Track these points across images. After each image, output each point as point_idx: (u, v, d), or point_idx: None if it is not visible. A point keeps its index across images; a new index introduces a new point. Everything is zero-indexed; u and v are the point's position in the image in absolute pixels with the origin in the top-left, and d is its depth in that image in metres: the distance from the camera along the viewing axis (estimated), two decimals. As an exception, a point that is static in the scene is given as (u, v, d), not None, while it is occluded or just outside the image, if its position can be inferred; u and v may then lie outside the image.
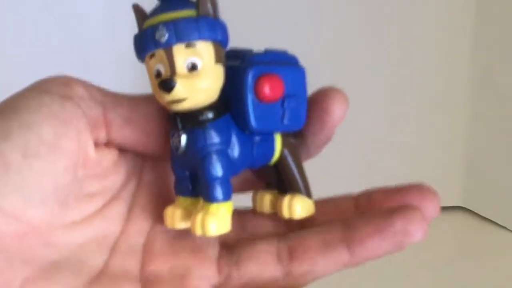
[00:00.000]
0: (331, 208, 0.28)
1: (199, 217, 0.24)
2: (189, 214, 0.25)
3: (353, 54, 0.75)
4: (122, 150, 0.27)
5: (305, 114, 0.26)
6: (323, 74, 0.76)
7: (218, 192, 0.24)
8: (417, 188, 0.26)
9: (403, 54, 0.74)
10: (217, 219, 0.24)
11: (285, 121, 0.25)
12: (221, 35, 0.24)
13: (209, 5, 0.24)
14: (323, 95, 0.27)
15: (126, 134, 0.26)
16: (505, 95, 0.71)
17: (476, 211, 0.75)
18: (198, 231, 0.24)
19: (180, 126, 0.25)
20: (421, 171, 0.76)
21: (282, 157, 0.27)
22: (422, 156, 0.76)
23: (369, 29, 0.74)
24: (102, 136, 0.26)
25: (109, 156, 0.26)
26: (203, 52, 0.24)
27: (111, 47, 0.69)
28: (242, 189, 0.29)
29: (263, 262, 0.26)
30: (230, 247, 0.27)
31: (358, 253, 0.25)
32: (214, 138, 0.24)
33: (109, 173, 0.27)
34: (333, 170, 0.77)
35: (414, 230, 0.24)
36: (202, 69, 0.24)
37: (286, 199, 0.26)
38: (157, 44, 0.23)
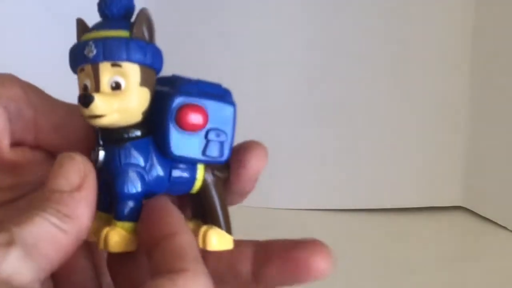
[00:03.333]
0: (230, 253, 0.28)
1: (103, 232, 0.25)
2: (101, 228, 0.26)
3: (353, 54, 0.74)
4: (52, 154, 0.28)
5: (230, 150, 0.26)
6: (323, 74, 0.76)
7: (126, 211, 0.25)
8: (310, 245, 0.26)
9: (403, 54, 0.74)
10: (120, 237, 0.25)
11: (207, 153, 0.26)
12: (151, 60, 0.25)
13: (144, 28, 0.25)
14: (242, 147, 0.27)
15: (53, 141, 0.27)
16: (505, 95, 0.71)
17: (476, 211, 0.75)
18: (101, 246, 0.25)
19: (100, 141, 0.25)
20: (421, 171, 0.77)
21: (203, 187, 0.27)
22: (422, 156, 0.76)
23: (369, 29, 0.74)
24: (30, 138, 0.27)
25: (31, 157, 0.28)
26: (128, 73, 0.24)
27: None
28: None
29: None
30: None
31: None
32: (131, 157, 0.25)
33: (25, 172, 0.28)
34: (333, 170, 0.77)
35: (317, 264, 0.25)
36: (125, 89, 0.24)
37: (202, 229, 0.27)
38: (86, 59, 0.24)
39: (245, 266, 0.27)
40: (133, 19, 0.26)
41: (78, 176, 0.25)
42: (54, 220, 0.24)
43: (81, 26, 0.26)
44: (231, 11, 0.74)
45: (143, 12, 0.25)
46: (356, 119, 0.76)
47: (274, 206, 0.75)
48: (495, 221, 0.72)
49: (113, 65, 0.24)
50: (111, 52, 0.24)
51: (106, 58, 0.24)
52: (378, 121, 0.76)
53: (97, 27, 0.25)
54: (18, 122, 0.27)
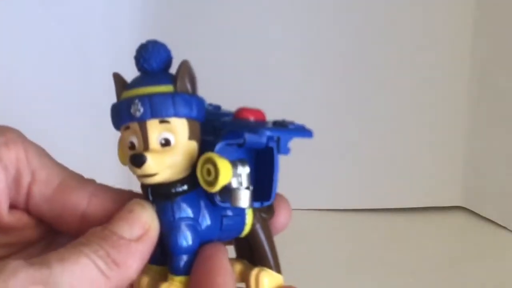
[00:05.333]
0: None
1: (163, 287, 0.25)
2: (155, 283, 0.26)
3: (353, 55, 0.75)
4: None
5: (275, 190, 0.26)
6: (322, 75, 0.76)
7: (183, 264, 0.25)
8: None
9: (403, 54, 0.74)
10: None
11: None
12: (197, 112, 0.25)
13: (186, 81, 0.25)
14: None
15: (43, 211, 0.27)
16: (505, 96, 0.71)
17: (476, 211, 0.75)
18: None
19: (150, 198, 0.25)
20: (421, 171, 0.77)
21: (252, 231, 0.27)
22: (422, 156, 0.76)
23: (368, 29, 0.74)
24: (22, 203, 0.27)
25: (26, 220, 0.28)
26: (177, 129, 0.24)
27: (110, 47, 0.69)
28: None
29: None
30: None
31: None
32: (182, 212, 0.25)
33: (19, 234, 0.28)
34: (332, 169, 0.77)
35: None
36: (174, 145, 0.24)
37: (254, 272, 0.27)
38: (132, 118, 0.24)
39: None
40: (171, 69, 0.25)
41: (142, 227, 0.25)
42: (100, 263, 0.23)
43: (119, 80, 0.25)
44: (230, 10, 0.74)
45: (185, 64, 0.25)
46: (356, 119, 0.76)
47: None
48: (495, 221, 0.72)
49: (161, 121, 0.24)
50: (158, 109, 0.24)
51: (153, 115, 0.24)
52: (378, 121, 0.76)
53: (139, 83, 0.25)
54: (14, 186, 0.27)
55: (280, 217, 0.28)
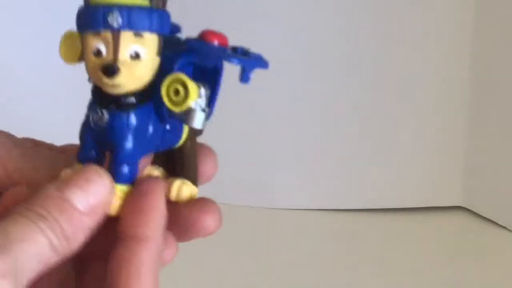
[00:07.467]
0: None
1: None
2: None
3: (352, 54, 0.74)
4: None
5: (213, 110, 0.27)
6: (323, 74, 0.76)
7: (126, 173, 0.26)
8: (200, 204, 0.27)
9: (403, 54, 0.74)
10: (118, 201, 0.25)
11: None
12: (167, 29, 0.25)
13: None
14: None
15: (23, 170, 0.27)
16: (505, 95, 0.71)
17: (476, 211, 0.75)
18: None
19: (104, 104, 0.26)
20: (421, 171, 0.76)
21: (183, 145, 0.28)
22: (422, 156, 0.76)
23: (369, 29, 0.74)
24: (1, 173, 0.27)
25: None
26: (148, 43, 0.25)
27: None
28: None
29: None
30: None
31: None
32: (135, 123, 0.25)
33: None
34: (333, 170, 0.77)
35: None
36: (143, 59, 0.25)
37: (177, 183, 0.27)
38: (106, 26, 0.24)
39: None
40: None
41: (97, 201, 0.24)
42: (54, 240, 0.23)
43: None
44: (230, 10, 0.74)
45: None
46: (355, 119, 0.76)
47: (274, 206, 0.75)
48: (495, 221, 0.72)
49: (136, 34, 0.24)
50: (135, 22, 0.24)
51: (129, 27, 0.24)
52: (378, 121, 0.76)
53: None
54: None
55: (207, 166, 0.28)
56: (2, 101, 0.67)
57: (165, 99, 0.25)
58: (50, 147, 0.29)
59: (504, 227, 0.71)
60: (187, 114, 0.26)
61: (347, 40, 0.74)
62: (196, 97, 0.25)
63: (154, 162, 0.28)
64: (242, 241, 0.64)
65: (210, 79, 0.27)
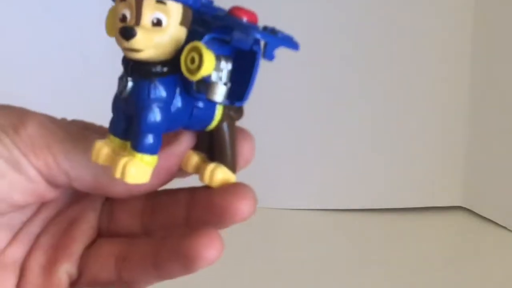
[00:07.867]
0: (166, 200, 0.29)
1: (122, 161, 0.25)
2: (114, 155, 0.26)
3: (352, 54, 0.75)
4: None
5: (250, 93, 0.26)
6: (323, 73, 0.76)
7: (147, 143, 0.25)
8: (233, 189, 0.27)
9: (403, 54, 0.74)
10: (139, 169, 0.25)
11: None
12: (193, 1, 0.25)
13: None
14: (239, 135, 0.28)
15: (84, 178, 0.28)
16: (505, 95, 0.71)
17: (476, 211, 0.75)
18: (118, 175, 0.25)
19: (129, 72, 0.26)
20: (421, 171, 0.77)
21: (218, 127, 0.27)
22: (422, 156, 0.76)
23: (368, 28, 0.74)
24: (62, 180, 0.27)
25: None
26: (171, 11, 0.25)
27: (111, 47, 0.69)
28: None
29: (102, 264, 0.28)
30: (90, 244, 0.29)
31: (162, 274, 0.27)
32: (158, 93, 0.25)
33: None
34: (333, 170, 0.77)
35: (206, 253, 0.26)
36: (165, 26, 0.25)
37: (211, 166, 0.27)
38: None
39: (180, 212, 0.28)
40: None
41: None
42: None
43: None
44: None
45: None
46: (355, 119, 0.76)
47: (274, 206, 0.75)
48: (495, 221, 0.72)
49: (158, 1, 0.24)
50: None
51: None
52: (378, 121, 0.76)
53: None
54: (48, 188, 0.28)
55: (243, 150, 0.28)
56: (2, 101, 0.67)
57: (183, 67, 0.25)
58: (99, 130, 0.29)
59: (504, 227, 0.71)
60: (207, 87, 0.25)
61: (348, 40, 0.74)
62: (212, 67, 0.25)
63: (197, 148, 0.28)
64: (242, 241, 0.64)
65: (248, 63, 0.26)
